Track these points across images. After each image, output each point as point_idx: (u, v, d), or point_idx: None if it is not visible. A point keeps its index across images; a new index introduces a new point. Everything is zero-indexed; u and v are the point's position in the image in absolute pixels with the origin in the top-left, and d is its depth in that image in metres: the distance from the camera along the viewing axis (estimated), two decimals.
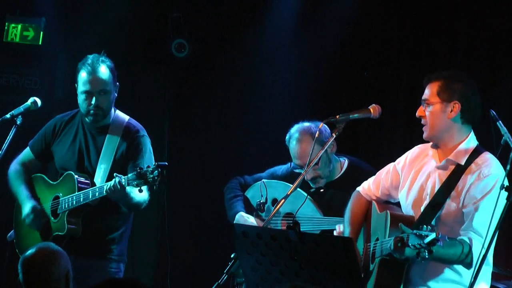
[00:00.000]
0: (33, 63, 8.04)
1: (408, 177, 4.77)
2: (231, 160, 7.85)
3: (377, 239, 4.71)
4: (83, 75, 5.66)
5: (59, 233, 5.61)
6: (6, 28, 7.88)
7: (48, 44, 7.94)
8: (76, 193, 5.55)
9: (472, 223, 4.48)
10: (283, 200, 4.63)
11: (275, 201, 5.87)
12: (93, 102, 5.62)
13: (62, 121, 5.87)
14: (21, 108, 5.67)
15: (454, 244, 4.40)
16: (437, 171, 4.66)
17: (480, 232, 4.43)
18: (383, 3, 7.68)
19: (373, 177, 4.99)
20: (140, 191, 5.34)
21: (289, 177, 5.88)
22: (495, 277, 5.16)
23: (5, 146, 5.53)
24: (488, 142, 4.76)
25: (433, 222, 4.50)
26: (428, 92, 4.65)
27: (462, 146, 4.63)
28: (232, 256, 4.52)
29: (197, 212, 8.05)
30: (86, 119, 5.72)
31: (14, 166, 5.90)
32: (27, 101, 5.73)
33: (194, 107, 8.20)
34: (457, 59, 7.41)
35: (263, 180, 5.94)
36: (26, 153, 5.93)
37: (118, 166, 5.60)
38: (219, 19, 8.03)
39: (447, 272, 4.58)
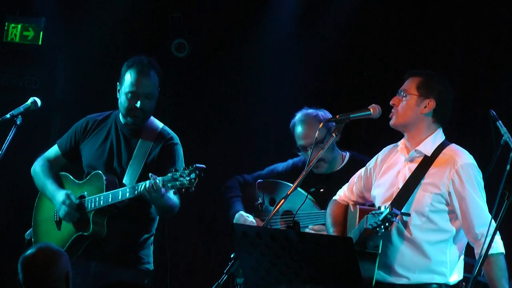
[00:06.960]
0: (33, 63, 8.05)
1: (379, 175, 4.88)
2: (231, 159, 7.86)
3: None
4: (131, 75, 5.47)
5: (83, 233, 5.44)
6: (6, 28, 7.89)
7: (48, 44, 7.95)
8: (104, 192, 5.39)
9: (474, 225, 4.58)
10: (283, 200, 4.63)
11: (272, 201, 5.88)
12: (138, 104, 5.44)
13: (95, 120, 5.69)
14: (21, 108, 5.61)
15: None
16: (406, 165, 4.77)
17: (485, 227, 4.49)
18: (383, 3, 7.68)
19: (347, 184, 5.08)
20: (175, 193, 5.23)
21: (289, 173, 5.90)
22: None
23: (5, 146, 5.48)
24: (488, 142, 4.77)
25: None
26: (408, 83, 4.83)
27: (430, 139, 4.75)
28: (232, 256, 4.52)
29: (197, 212, 8.05)
30: (126, 120, 5.53)
31: (40, 162, 5.74)
32: (27, 101, 5.67)
33: (194, 107, 8.21)
34: (457, 59, 7.41)
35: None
36: (53, 150, 5.77)
37: (149, 171, 5.31)
38: (219, 19, 8.04)
39: (418, 259, 4.63)
